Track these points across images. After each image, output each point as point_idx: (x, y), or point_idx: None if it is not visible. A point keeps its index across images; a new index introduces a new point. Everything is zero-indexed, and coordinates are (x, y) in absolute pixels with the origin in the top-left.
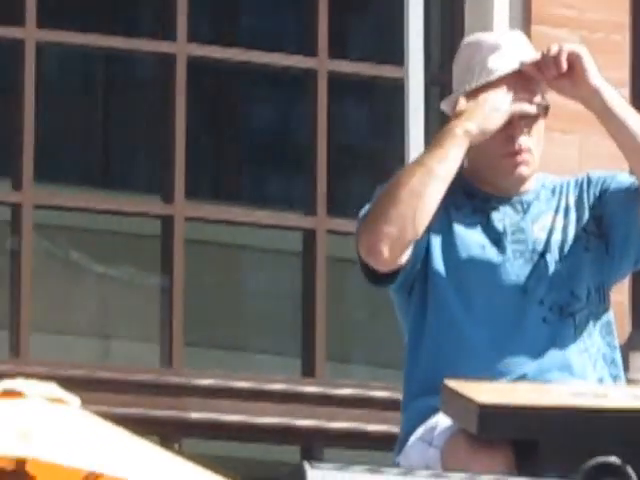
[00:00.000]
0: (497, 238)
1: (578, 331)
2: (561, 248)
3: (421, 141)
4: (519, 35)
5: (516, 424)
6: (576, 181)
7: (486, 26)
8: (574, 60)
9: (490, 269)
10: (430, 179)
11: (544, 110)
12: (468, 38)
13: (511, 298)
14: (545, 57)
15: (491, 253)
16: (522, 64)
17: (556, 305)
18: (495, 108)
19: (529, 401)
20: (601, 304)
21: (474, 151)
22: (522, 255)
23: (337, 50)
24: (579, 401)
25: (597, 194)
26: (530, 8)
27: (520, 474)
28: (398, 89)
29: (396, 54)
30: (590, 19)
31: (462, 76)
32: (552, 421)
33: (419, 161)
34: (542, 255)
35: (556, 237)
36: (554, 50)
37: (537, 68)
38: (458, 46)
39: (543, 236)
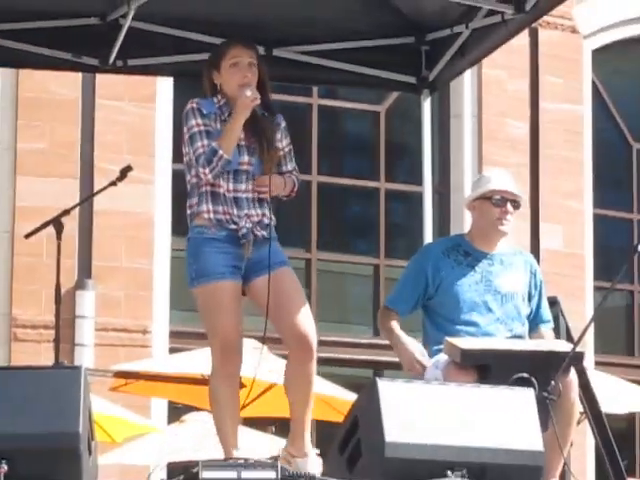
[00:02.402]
0: (477, 281)
1: (511, 326)
2: (512, 293)
3: (430, 223)
4: (504, 171)
5: (479, 358)
6: (532, 264)
7: (460, 162)
8: None
9: (475, 294)
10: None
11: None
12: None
13: (483, 311)
14: None
15: (475, 287)
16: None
17: (503, 316)
18: None
19: (486, 346)
20: (525, 322)
21: (479, 217)
22: (489, 291)
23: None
24: (511, 347)
25: (535, 286)
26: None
27: (481, 383)
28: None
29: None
30: None
31: (473, 190)
32: (497, 356)
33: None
34: (499, 292)
35: (509, 284)
36: None
37: None
38: (448, 170)
39: (504, 282)
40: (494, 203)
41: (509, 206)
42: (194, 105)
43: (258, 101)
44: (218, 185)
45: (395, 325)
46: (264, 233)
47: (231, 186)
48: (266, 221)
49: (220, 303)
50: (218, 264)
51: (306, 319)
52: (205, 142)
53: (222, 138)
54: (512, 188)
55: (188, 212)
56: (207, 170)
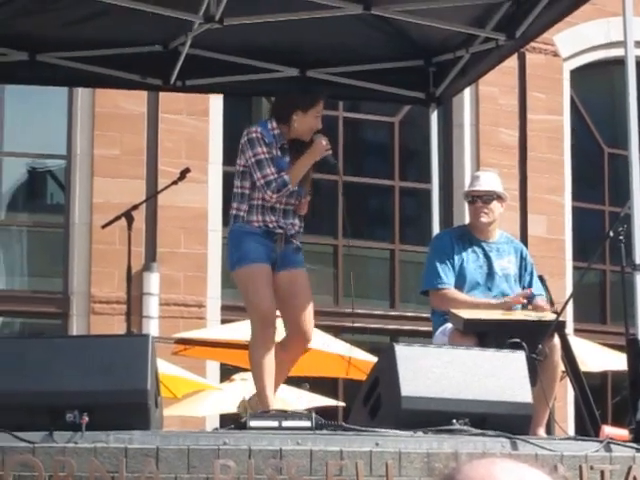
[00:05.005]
0: (481, 265)
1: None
2: (506, 275)
3: (437, 215)
4: (482, 173)
5: (478, 326)
6: (522, 250)
7: (461, 164)
8: None
9: (478, 275)
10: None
11: (498, 198)
12: (478, 172)
13: (483, 290)
14: None
15: (479, 270)
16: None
17: (499, 294)
18: None
19: (484, 317)
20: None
21: (469, 213)
22: (488, 273)
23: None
24: (505, 317)
25: (524, 268)
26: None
27: (480, 347)
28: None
29: (427, 177)
30: None
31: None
32: (493, 325)
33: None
34: (496, 274)
35: (504, 268)
36: None
37: None
38: (451, 170)
39: (499, 266)
40: (469, 202)
41: (479, 202)
42: (258, 135)
43: (330, 151)
44: (268, 199)
45: (461, 294)
46: (298, 243)
47: (285, 199)
48: (300, 230)
49: (259, 281)
50: (257, 251)
51: (308, 316)
52: (273, 169)
53: (293, 173)
54: (482, 187)
55: (233, 213)
56: (275, 196)
